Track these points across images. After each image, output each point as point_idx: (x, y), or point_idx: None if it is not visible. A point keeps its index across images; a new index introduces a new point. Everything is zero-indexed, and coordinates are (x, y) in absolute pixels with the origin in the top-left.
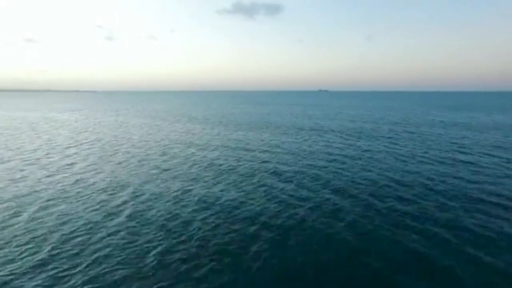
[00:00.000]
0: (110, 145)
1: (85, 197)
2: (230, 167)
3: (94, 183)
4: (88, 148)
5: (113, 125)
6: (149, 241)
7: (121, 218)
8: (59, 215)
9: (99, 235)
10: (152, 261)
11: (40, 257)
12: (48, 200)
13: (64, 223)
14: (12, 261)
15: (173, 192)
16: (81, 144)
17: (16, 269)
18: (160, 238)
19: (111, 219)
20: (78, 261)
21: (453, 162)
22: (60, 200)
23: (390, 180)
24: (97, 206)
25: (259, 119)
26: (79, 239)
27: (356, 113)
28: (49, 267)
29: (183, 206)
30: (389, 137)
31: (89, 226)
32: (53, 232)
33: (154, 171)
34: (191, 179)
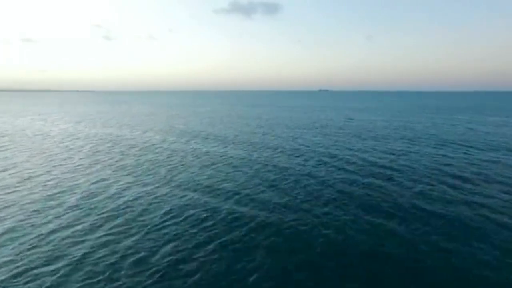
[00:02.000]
0: (30, 162)
1: None
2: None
3: None
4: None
5: (63, 134)
6: None
7: None
8: None
9: None
10: None
11: None
12: None
13: None
14: None
15: None
16: None
17: None
18: None
19: None
20: None
21: None
22: None
23: None
24: None
25: (251, 130)
26: None
27: (369, 119)
28: None
29: None
30: (468, 182)
31: None
32: None
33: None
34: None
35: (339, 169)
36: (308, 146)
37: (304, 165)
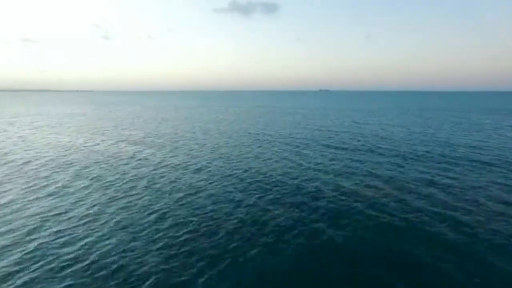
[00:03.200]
0: None
1: None
2: None
3: None
4: None
5: (14, 142)
6: None
7: None
8: None
9: None
10: None
11: None
12: None
13: None
14: None
15: None
16: None
17: None
18: None
19: None
20: None
21: None
22: None
23: None
24: None
25: (241, 142)
26: None
27: (380, 123)
28: None
29: None
30: None
31: None
32: None
33: None
34: None
35: (353, 222)
36: (306, 168)
37: (305, 207)
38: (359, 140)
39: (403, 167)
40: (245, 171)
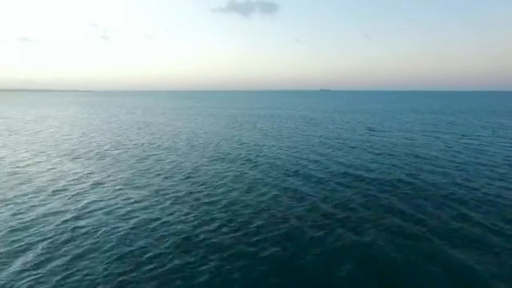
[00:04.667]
0: None
1: None
2: None
3: None
4: None
5: None
6: None
7: None
8: None
9: None
10: None
11: None
12: None
13: None
14: None
15: None
16: None
17: None
18: None
19: None
20: None
21: None
22: None
23: None
24: None
25: (218, 164)
26: None
27: (398, 128)
28: None
29: None
30: None
31: None
32: None
33: None
34: None
35: None
36: (295, 222)
37: None
38: (381, 163)
39: (477, 223)
40: (195, 226)
